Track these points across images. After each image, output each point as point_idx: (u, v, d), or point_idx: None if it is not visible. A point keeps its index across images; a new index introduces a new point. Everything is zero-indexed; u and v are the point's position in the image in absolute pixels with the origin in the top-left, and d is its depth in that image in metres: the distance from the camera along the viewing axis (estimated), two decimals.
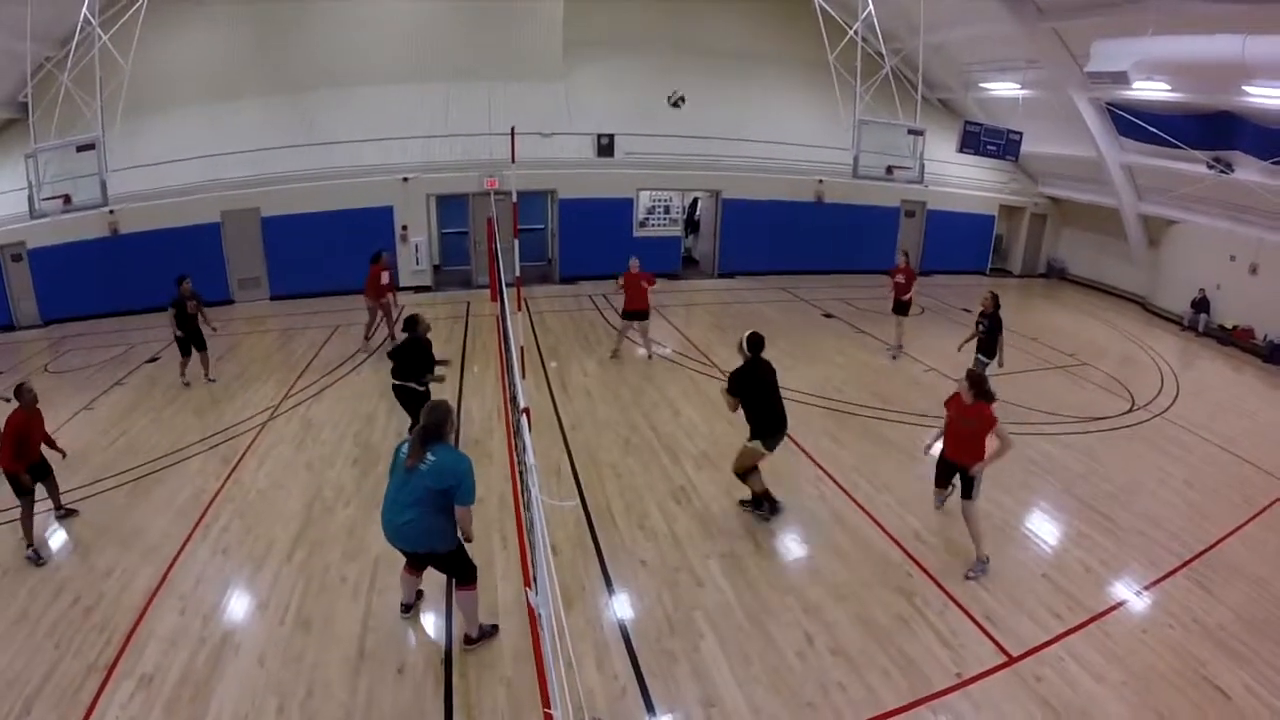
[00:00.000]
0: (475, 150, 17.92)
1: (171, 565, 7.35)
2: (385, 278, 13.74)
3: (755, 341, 7.62)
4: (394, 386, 9.20)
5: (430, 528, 5.48)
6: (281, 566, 7.26)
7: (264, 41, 18.08)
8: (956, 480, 7.30)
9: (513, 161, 10.32)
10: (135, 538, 7.89)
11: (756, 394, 7.55)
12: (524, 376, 7.29)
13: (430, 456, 5.38)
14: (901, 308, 13.64)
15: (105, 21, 14.32)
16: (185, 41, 17.68)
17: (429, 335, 9.24)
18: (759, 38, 20.36)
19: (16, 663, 6.18)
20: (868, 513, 8.13)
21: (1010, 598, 6.64)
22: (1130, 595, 6.80)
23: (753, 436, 7.64)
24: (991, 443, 6.94)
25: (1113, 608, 6.60)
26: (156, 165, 16.73)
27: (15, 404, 7.74)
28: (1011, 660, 5.86)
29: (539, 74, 18.83)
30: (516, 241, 10.15)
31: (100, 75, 13.63)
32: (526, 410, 4.32)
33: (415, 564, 6.07)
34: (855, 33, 15.52)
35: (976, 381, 7.06)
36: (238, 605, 6.76)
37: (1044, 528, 8.07)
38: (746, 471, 7.87)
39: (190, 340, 12.22)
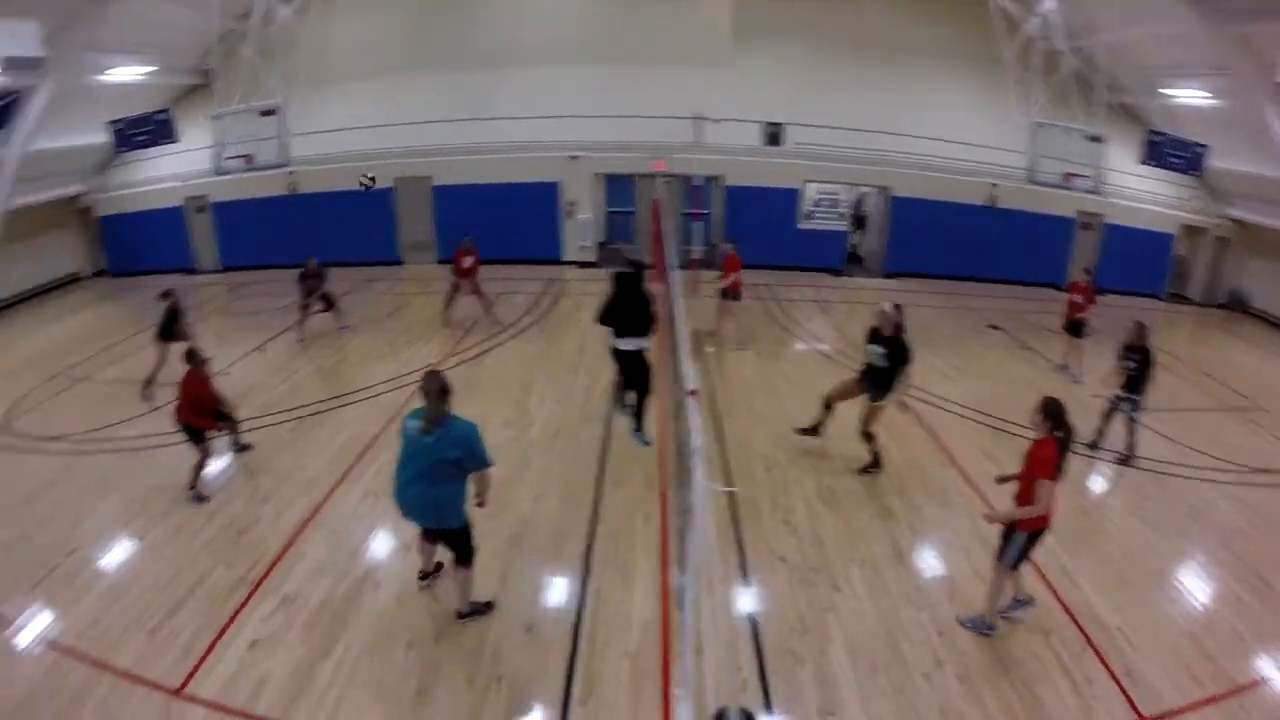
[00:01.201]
0: (643, 132, 17.95)
1: (325, 501, 7.84)
2: (467, 262, 13.89)
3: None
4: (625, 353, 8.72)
5: (439, 499, 5.50)
6: None
7: (437, 19, 18.86)
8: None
9: (695, 146, 10.25)
10: (294, 471, 8.43)
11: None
12: (694, 359, 7.25)
13: (434, 429, 5.36)
14: (1076, 328, 12.72)
15: None
16: (362, 16, 18.74)
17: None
18: (933, 29, 19.49)
19: (170, 568, 6.77)
20: None
21: (1153, 653, 6.08)
22: (1278, 674, 6.06)
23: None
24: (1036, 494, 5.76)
25: (1257, 683, 5.92)
26: (333, 132, 17.82)
27: (188, 366, 8.15)
28: None
29: (708, 58, 18.65)
30: (697, 225, 10.06)
31: (281, 46, 14.54)
32: (694, 392, 4.27)
33: (431, 534, 6.11)
34: (1032, 29, 14.60)
35: (1051, 411, 5.80)
36: (382, 546, 7.13)
37: (1197, 583, 7.30)
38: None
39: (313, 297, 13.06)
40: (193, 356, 8.17)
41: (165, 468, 8.61)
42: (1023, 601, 6.33)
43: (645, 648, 5.76)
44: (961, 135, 18.57)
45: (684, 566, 4.05)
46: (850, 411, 9.80)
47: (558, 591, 6.51)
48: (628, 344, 8.57)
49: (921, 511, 8.11)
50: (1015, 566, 6.05)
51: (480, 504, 5.73)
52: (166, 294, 11.37)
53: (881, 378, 8.34)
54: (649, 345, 8.74)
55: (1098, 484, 9.29)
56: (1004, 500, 8.22)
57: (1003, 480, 6.41)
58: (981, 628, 6.20)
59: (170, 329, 11.16)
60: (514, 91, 18.60)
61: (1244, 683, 5.88)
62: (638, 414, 9.05)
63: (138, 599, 6.37)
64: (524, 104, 18.34)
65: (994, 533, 7.69)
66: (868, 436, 8.60)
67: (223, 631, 5.93)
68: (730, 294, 12.88)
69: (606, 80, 18.55)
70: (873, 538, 7.53)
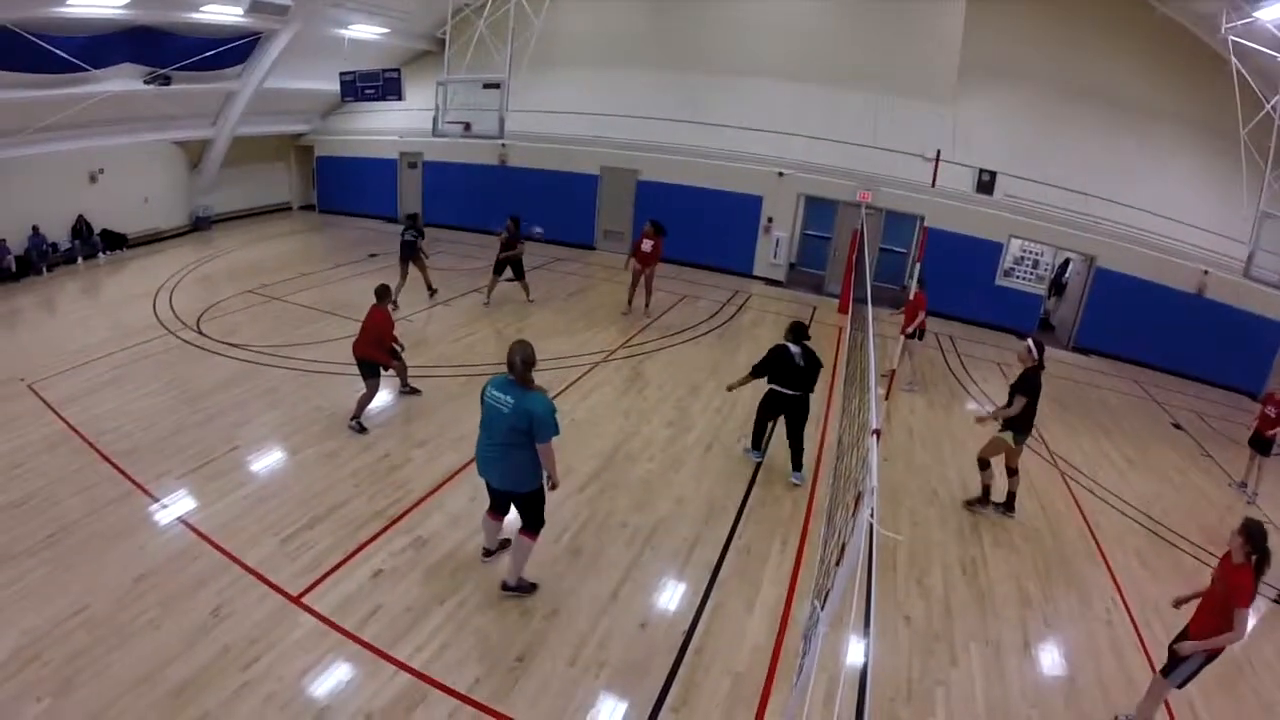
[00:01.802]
0: (852, 159, 17.83)
1: (473, 459, 8.23)
2: (647, 246, 14.01)
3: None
4: (792, 398, 8.77)
5: (514, 464, 5.67)
6: (573, 494, 7.91)
7: (661, 19, 19.36)
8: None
9: (933, 186, 10.09)
10: (453, 424, 8.96)
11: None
12: (886, 398, 7.19)
13: (508, 398, 5.53)
14: (1263, 444, 11.63)
15: None
16: (591, 7, 19.52)
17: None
18: (1162, 92, 18.00)
19: (315, 487, 7.39)
20: (1149, 657, 7.12)
21: None
22: None
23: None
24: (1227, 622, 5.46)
25: None
26: (548, 113, 18.83)
27: (376, 301, 8.90)
28: None
29: (928, 93, 18.15)
30: (919, 267, 9.88)
31: (513, 26, 15.37)
32: (878, 432, 4.28)
33: (497, 506, 6.25)
34: (1274, 108, 13.38)
35: (1253, 535, 5.44)
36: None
37: None
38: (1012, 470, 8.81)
39: (506, 265, 13.69)
40: (383, 294, 8.85)
41: (333, 394, 9.39)
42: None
43: (751, 671, 5.78)
44: (1179, 211, 17.14)
45: (823, 600, 4.07)
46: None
47: (679, 596, 6.61)
48: (792, 391, 8.66)
49: (1059, 604, 7.67)
50: (1181, 686, 5.77)
51: (552, 486, 5.90)
52: (412, 217, 12.59)
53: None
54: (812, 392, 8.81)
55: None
56: (1154, 613, 7.79)
57: (1180, 603, 6.10)
58: None
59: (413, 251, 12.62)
60: (728, 100, 18.79)
61: None
62: (797, 452, 8.98)
63: (278, 507, 7.00)
64: (737, 114, 18.54)
65: (1130, 639, 7.34)
66: (983, 464, 8.87)
67: (351, 555, 6.43)
68: (915, 334, 12.64)
69: (823, 102, 18.43)
70: (1003, 620, 7.19)
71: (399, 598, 6.05)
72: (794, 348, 8.57)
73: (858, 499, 3.84)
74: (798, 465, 8.94)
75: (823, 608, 3.86)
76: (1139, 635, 7.45)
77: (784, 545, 7.57)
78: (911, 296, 12.67)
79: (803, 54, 18.62)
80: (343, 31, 17.39)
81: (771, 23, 18.78)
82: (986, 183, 17.75)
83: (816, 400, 11.45)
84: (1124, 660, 7.02)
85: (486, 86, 15.39)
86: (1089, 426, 13.06)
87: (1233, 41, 14.06)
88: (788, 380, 8.60)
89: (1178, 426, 14.41)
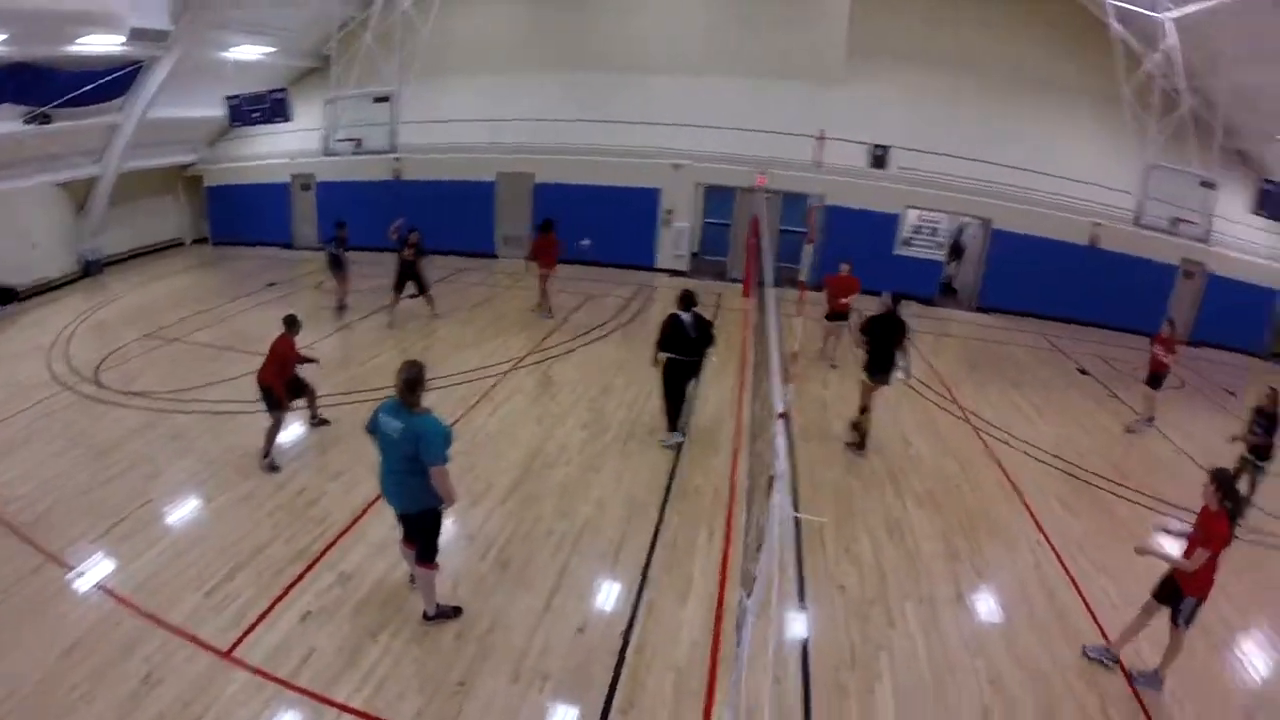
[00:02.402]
0: (748, 145, 17.97)
1: None
2: (546, 246, 14.05)
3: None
4: (685, 363, 9.10)
5: (409, 488, 5.56)
6: (495, 508, 7.78)
7: (550, 19, 19.21)
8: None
9: (818, 166, 10.22)
10: (368, 450, 8.49)
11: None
12: (788, 382, 7.25)
13: (396, 423, 5.40)
14: (1156, 380, 12.20)
15: None
16: (479, 12, 19.24)
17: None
18: (1049, 60, 18.80)
19: (234, 533, 7.06)
20: (1080, 592, 7.37)
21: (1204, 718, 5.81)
22: None
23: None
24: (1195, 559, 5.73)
25: None
26: (443, 122, 18.41)
27: (282, 331, 8.56)
28: None
29: (819, 76, 18.51)
30: (811, 247, 10.17)
31: (400, 36, 15.00)
32: (784, 415, 4.25)
33: (407, 532, 6.06)
34: (1153, 66, 14.00)
35: (1224, 483, 5.77)
36: (445, 532, 7.18)
37: (1262, 658, 6.82)
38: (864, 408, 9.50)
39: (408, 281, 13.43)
40: (290, 323, 8.57)
41: (242, 434, 9.01)
42: (1114, 657, 6.32)
43: (693, 664, 5.76)
44: (1069, 170, 17.94)
45: (749, 588, 4.03)
46: (921, 440, 9.66)
47: (612, 597, 6.55)
48: (687, 357, 9.04)
49: (986, 554, 7.89)
50: (1188, 625, 6.02)
51: (449, 502, 5.72)
52: (338, 226, 13.04)
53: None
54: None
55: (1173, 544, 8.84)
56: (1079, 550, 8.06)
57: (1142, 552, 6.19)
58: (1154, 683, 6.14)
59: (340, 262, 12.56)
60: (622, 96, 18.79)
61: None
62: (679, 412, 9.43)
63: (198, 559, 6.67)
64: (631, 109, 18.55)
65: (1059, 577, 7.60)
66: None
67: (277, 600, 6.16)
68: (838, 315, 12.97)
69: (715, 90, 18.58)
70: (935, 576, 7.35)
71: (331, 637, 5.82)
72: (685, 315, 8.87)
73: (770, 484, 3.80)
74: (675, 424, 9.41)
75: (749, 596, 3.82)
76: (1067, 573, 7.71)
77: (710, 535, 7.58)
78: (835, 277, 12.92)
79: (693, 45, 18.78)
80: (226, 54, 16.73)
81: (661, 16, 18.88)
82: (880, 157, 18.30)
83: (730, 385, 11.60)
84: (1056, 598, 7.26)
85: (377, 100, 15.01)
86: (998, 381, 13.53)
87: (1111, 4, 14.65)
88: (682, 347, 8.93)
89: (1084, 372, 15.05)
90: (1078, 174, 17.95)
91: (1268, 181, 14.99)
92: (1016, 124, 18.65)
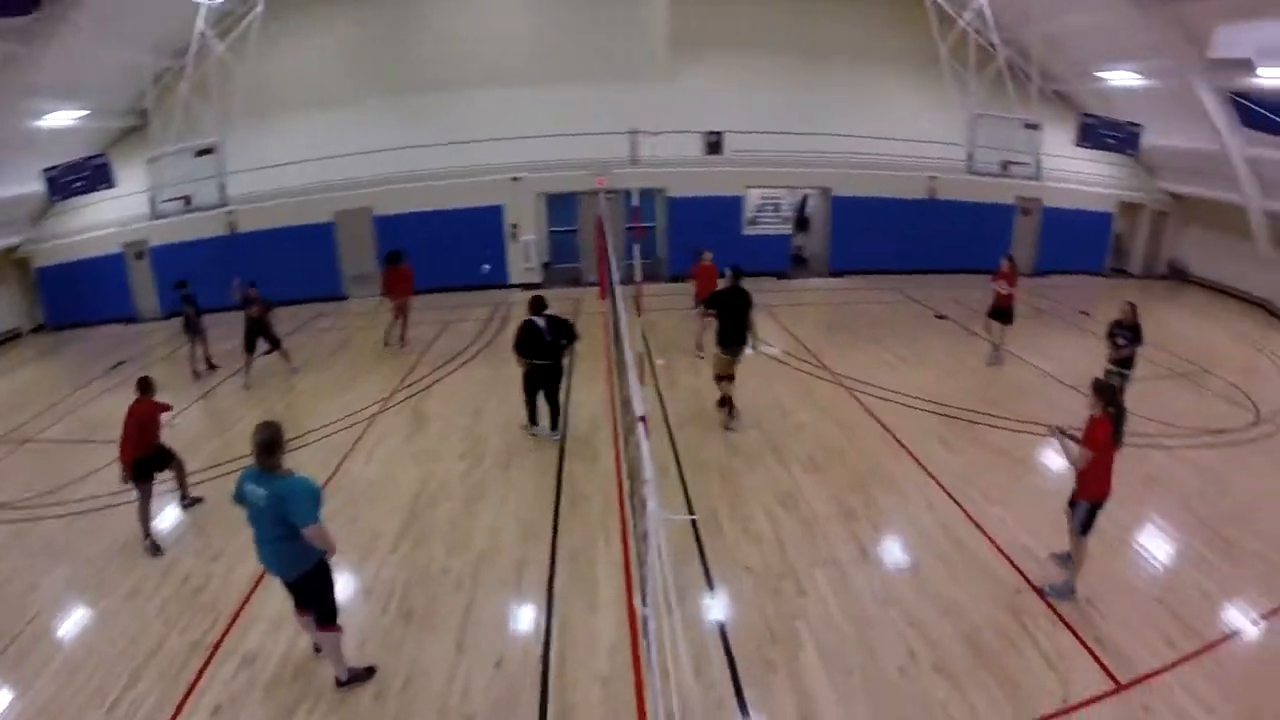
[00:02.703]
0: (585, 150, 18.03)
1: None
2: (398, 280, 13.95)
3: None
4: (545, 367, 9.38)
5: (284, 554, 5.31)
6: (386, 557, 7.46)
7: (373, 46, 18.78)
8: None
9: (634, 163, 10.30)
10: (244, 525, 8.12)
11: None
12: (643, 382, 7.27)
13: (260, 490, 5.12)
14: (1003, 314, 12.89)
15: (221, 31, 15.07)
16: (298, 48, 18.52)
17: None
18: (869, 32, 19.85)
19: (125, 636, 6.49)
20: (977, 524, 7.74)
21: (1122, 621, 6.20)
22: (1247, 624, 6.22)
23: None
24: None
25: (1228, 637, 6.06)
26: (272, 168, 17.55)
27: (137, 395, 8.04)
28: (1120, 688, 5.45)
29: (645, 74, 18.85)
30: (638, 246, 10.23)
31: (217, 83, 14.33)
32: (644, 418, 4.21)
33: (297, 599, 5.79)
34: (967, 24, 14.88)
35: (1103, 391, 6.23)
36: (341, 593, 6.85)
37: (1159, 547, 7.48)
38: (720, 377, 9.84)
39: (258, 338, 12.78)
40: (145, 385, 8.03)
41: (114, 529, 8.34)
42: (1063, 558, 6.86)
43: (617, 671, 5.67)
44: (901, 132, 18.93)
45: (644, 596, 3.99)
46: (798, 409, 9.86)
47: (524, 622, 6.39)
48: (545, 361, 9.24)
49: (881, 507, 8.17)
50: (1085, 532, 6.38)
51: (330, 553, 5.42)
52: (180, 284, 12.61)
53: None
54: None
55: (1052, 459, 9.43)
56: (968, 484, 8.41)
57: (1055, 430, 6.51)
58: (1066, 593, 6.50)
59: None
60: (455, 116, 18.51)
61: (1215, 639, 6.01)
62: (554, 414, 9.70)
63: (95, 671, 6.10)
64: (464, 128, 18.27)
65: (954, 515, 7.93)
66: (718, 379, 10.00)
67: (184, 701, 5.69)
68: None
69: (546, 100, 18.60)
70: (835, 538, 7.54)
71: None
72: (539, 320, 8.98)
73: (643, 487, 3.77)
74: (555, 425, 9.67)
75: (645, 603, 3.77)
76: (961, 508, 8.08)
77: (608, 540, 7.54)
78: (698, 268, 13.11)
79: (520, 57, 18.83)
80: (39, 123, 15.51)
81: (483, 31, 18.79)
82: (714, 144, 18.75)
83: (600, 388, 11.66)
84: (954, 535, 7.60)
85: (200, 154, 14.26)
86: (860, 340, 14.12)
87: None
88: (540, 352, 9.10)
89: (941, 317, 15.85)
90: (910, 134, 18.98)
91: (1087, 116, 16.16)
92: (846, 94, 19.60)
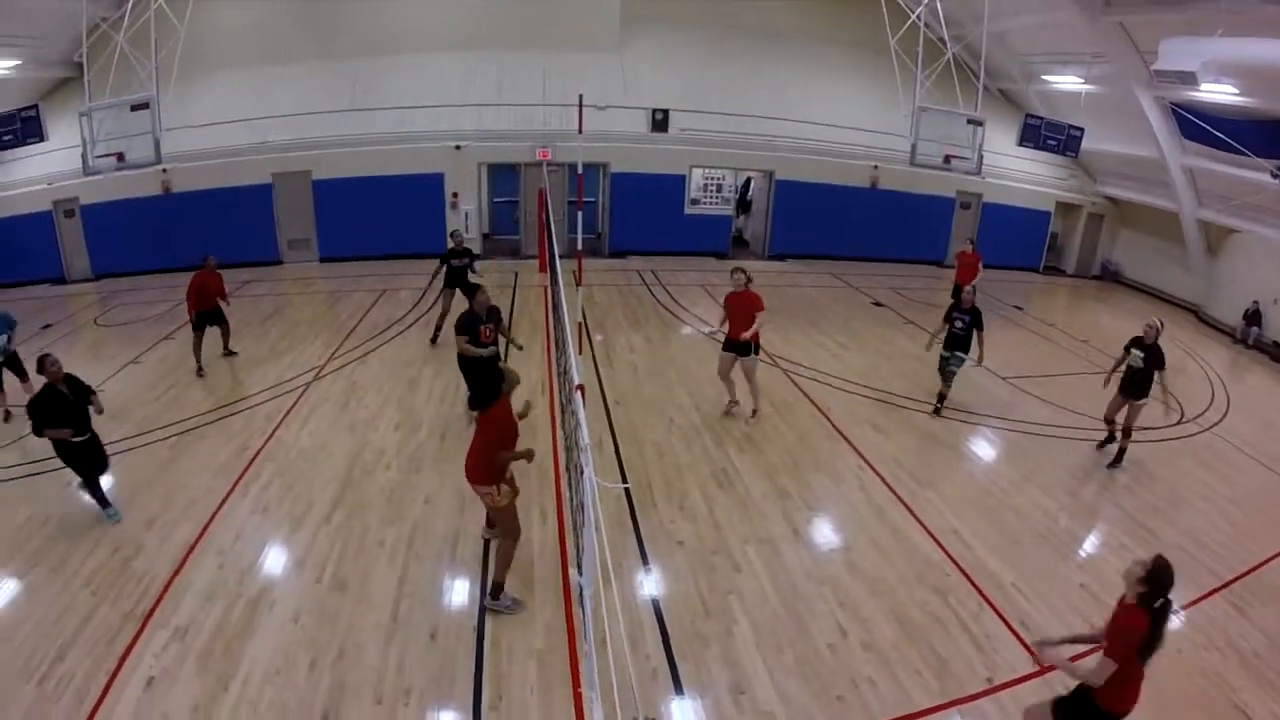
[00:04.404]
0: (528, 120, 17.95)
1: (211, 520, 7.46)
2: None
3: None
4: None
5: None
6: (320, 527, 7.35)
7: (316, 7, 18.19)
8: None
9: (579, 133, 10.25)
10: (177, 491, 7.99)
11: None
12: (580, 352, 7.28)
13: None
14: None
15: None
16: (239, 6, 17.87)
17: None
18: (818, 18, 20.00)
19: (53, 610, 6.27)
20: (908, 507, 7.98)
21: (1047, 604, 6.47)
22: None
23: None
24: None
25: None
26: (209, 126, 16.98)
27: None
28: (1044, 670, 5.60)
29: (594, 44, 18.68)
30: (581, 214, 10.14)
31: (155, 36, 13.75)
32: (581, 387, 4.24)
33: None
34: (918, 17, 15.11)
35: (1158, 577, 4.01)
36: (275, 563, 6.84)
37: (1085, 536, 7.85)
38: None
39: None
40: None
41: (39, 498, 8.03)
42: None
43: (552, 646, 5.72)
44: (846, 120, 19.19)
45: (580, 565, 4.03)
46: (742, 396, 9.98)
47: (458, 595, 6.39)
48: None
49: (814, 488, 8.36)
50: None
51: None
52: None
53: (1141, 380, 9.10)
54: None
55: (983, 447, 9.77)
56: (899, 468, 8.60)
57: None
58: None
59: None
60: (397, 81, 18.20)
61: None
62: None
63: (22, 645, 5.88)
64: (407, 93, 18.02)
65: (885, 497, 8.14)
66: (1127, 434, 9.23)
67: (115, 673, 5.54)
68: None
69: (492, 67, 18.41)
70: (769, 517, 7.69)
71: (181, 699, 5.28)
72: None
73: (580, 457, 3.80)
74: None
75: (581, 573, 3.81)
76: (892, 491, 8.31)
77: (543, 515, 7.56)
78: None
79: (467, 23, 18.43)
80: None
81: None
82: (660, 121, 18.81)
83: (538, 362, 11.69)
84: (886, 517, 7.83)
85: (135, 109, 13.62)
86: (798, 323, 14.33)
87: None
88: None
89: (878, 304, 16.20)
90: (855, 122, 19.31)
91: (1030, 116, 16.61)
92: (794, 79, 19.75)
